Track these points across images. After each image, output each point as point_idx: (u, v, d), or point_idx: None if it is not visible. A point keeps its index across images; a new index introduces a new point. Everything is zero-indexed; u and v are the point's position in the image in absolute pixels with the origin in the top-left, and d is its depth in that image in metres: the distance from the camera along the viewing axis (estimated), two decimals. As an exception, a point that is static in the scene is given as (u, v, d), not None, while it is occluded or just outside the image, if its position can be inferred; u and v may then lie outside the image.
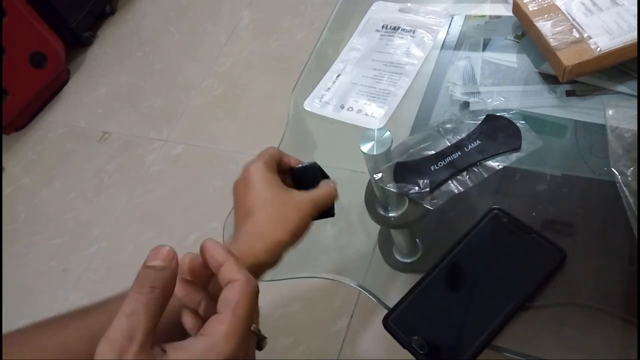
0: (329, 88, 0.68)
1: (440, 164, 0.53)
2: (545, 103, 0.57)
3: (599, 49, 0.53)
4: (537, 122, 0.55)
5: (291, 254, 0.45)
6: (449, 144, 0.55)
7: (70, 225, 1.44)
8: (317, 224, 0.47)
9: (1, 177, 1.62)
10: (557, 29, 0.56)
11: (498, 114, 0.56)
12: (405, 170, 0.53)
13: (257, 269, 0.42)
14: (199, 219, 1.31)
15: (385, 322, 0.46)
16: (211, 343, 0.29)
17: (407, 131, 0.60)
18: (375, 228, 0.58)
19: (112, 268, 1.31)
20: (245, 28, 1.76)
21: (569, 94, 0.57)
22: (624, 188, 0.48)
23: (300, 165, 0.49)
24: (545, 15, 0.57)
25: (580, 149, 0.53)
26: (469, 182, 0.52)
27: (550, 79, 0.58)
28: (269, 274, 0.44)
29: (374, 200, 0.55)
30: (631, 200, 0.47)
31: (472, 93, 0.60)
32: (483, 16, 0.68)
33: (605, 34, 0.53)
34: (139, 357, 0.26)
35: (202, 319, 0.33)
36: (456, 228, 0.51)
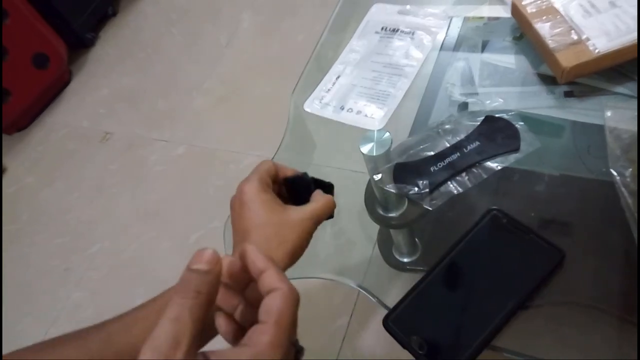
0: (328, 89, 0.68)
1: (440, 165, 0.53)
2: (544, 104, 0.57)
3: (597, 50, 0.53)
4: (536, 123, 0.55)
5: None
6: (448, 145, 0.55)
7: (72, 225, 1.44)
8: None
9: (1, 177, 1.62)
10: (556, 30, 0.56)
11: (497, 115, 0.56)
12: (405, 171, 0.53)
13: None
14: (200, 219, 1.31)
15: (385, 323, 0.46)
16: (256, 354, 0.28)
17: (407, 132, 0.60)
18: (375, 228, 0.58)
19: (114, 267, 1.32)
20: (246, 30, 1.77)
21: (568, 95, 0.57)
22: (623, 189, 0.48)
23: (291, 176, 0.48)
24: (544, 17, 0.57)
25: (578, 150, 0.54)
26: (468, 182, 0.52)
27: (548, 80, 0.58)
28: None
29: (373, 200, 0.55)
30: (629, 201, 0.47)
31: (470, 94, 0.60)
32: (482, 18, 0.68)
33: (603, 36, 0.54)
34: None
35: (237, 325, 0.33)
36: (455, 228, 0.51)
